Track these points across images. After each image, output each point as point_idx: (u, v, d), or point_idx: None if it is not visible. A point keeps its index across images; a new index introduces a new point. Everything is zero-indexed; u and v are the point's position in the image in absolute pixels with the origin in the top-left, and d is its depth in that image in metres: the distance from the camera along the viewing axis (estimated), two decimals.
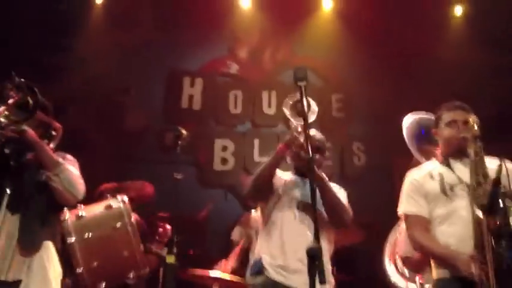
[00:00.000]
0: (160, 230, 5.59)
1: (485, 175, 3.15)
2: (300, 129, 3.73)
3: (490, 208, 2.94)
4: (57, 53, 7.10)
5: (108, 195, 4.64)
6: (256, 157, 7.82)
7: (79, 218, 4.05)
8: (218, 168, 7.86)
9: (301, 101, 2.93)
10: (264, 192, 3.92)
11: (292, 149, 3.88)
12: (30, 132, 3.36)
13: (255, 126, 8.21)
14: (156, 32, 7.73)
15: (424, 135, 4.13)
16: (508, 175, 3.12)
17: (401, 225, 4.05)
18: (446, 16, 8.47)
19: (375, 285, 6.96)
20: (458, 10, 8.40)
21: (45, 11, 7.12)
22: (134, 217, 4.61)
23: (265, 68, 8.58)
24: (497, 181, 2.96)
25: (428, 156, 3.83)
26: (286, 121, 7.81)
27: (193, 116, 8.06)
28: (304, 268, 3.12)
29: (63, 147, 3.71)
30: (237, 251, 5.82)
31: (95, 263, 3.99)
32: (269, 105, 8.28)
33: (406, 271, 4.39)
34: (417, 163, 3.95)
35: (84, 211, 4.10)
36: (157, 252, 5.10)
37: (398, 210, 3.60)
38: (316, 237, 2.61)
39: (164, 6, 7.80)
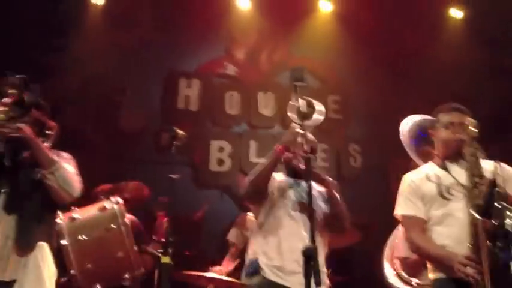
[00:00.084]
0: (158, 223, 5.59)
1: (482, 176, 3.16)
2: (299, 130, 3.73)
3: (485, 209, 2.95)
4: (54, 53, 7.08)
5: (102, 197, 4.64)
6: (253, 158, 7.82)
7: (72, 220, 4.05)
8: (214, 169, 7.86)
9: (301, 101, 2.94)
10: (261, 193, 3.92)
11: (291, 150, 3.87)
12: (27, 129, 3.36)
13: (252, 127, 8.21)
14: (153, 33, 7.72)
15: (423, 137, 4.13)
16: (503, 176, 3.14)
17: (400, 228, 4.06)
18: (444, 17, 8.48)
19: (370, 285, 6.98)
20: (456, 11, 8.41)
21: (44, 11, 7.11)
22: (130, 218, 4.61)
23: (262, 69, 8.57)
24: (493, 182, 2.97)
25: (427, 157, 3.83)
26: (283, 122, 7.87)
27: (190, 116, 8.05)
28: (300, 269, 3.13)
29: (60, 147, 3.70)
30: (232, 252, 5.81)
31: (89, 265, 3.99)
32: (266, 107, 8.29)
33: (403, 273, 4.39)
34: (417, 165, 3.96)
35: (77, 213, 4.10)
36: (153, 253, 5.09)
37: (395, 211, 3.60)
38: (312, 237, 2.62)
39: (161, 7, 7.79)
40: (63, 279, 4.04)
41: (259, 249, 3.88)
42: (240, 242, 5.80)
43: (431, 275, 3.41)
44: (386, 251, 4.51)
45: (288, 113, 3.67)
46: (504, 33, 7.68)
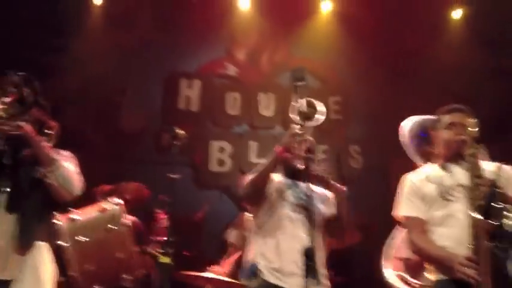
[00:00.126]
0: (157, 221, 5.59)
1: (482, 177, 3.15)
2: (298, 131, 3.72)
3: (486, 210, 2.94)
4: (54, 53, 7.08)
5: (102, 198, 4.64)
6: (253, 159, 7.82)
7: (73, 221, 4.05)
8: (214, 170, 7.87)
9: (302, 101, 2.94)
10: (260, 194, 3.90)
11: (291, 151, 3.86)
12: (27, 127, 3.35)
13: (252, 128, 8.22)
14: (154, 33, 7.73)
15: (424, 137, 4.12)
16: (504, 178, 3.14)
17: (400, 228, 4.05)
18: (444, 18, 8.47)
19: (370, 286, 6.98)
20: (456, 12, 8.41)
21: (44, 11, 7.11)
22: (130, 219, 4.61)
23: (263, 70, 8.58)
24: (493, 183, 2.97)
25: (428, 158, 3.83)
26: (284, 123, 7.87)
27: (191, 117, 8.06)
28: (300, 271, 3.12)
29: (60, 147, 3.69)
30: (232, 253, 5.80)
31: (89, 266, 3.99)
32: (266, 107, 8.29)
33: (405, 274, 4.38)
34: (417, 166, 3.95)
35: (77, 214, 4.10)
36: (152, 253, 5.09)
37: (395, 212, 3.59)
38: (312, 238, 2.61)
39: (162, 7, 7.80)
40: (62, 279, 4.05)
41: (257, 251, 3.87)
42: (238, 243, 5.79)
43: (432, 276, 3.40)
44: (386, 251, 4.50)
45: (290, 114, 3.66)
46: (504, 34, 7.68)
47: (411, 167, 3.98)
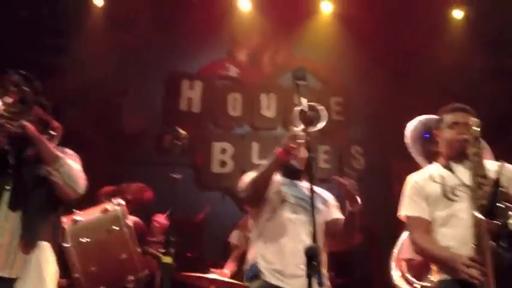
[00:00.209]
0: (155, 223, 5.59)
1: (485, 177, 3.14)
2: (297, 132, 3.72)
3: (489, 209, 2.93)
4: (55, 54, 7.09)
5: (105, 199, 4.63)
6: (255, 160, 7.81)
7: (75, 222, 4.04)
8: (216, 171, 7.87)
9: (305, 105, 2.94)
10: (261, 196, 3.87)
11: (291, 153, 3.83)
12: (30, 126, 3.35)
13: (254, 129, 8.22)
14: (154, 34, 7.73)
15: (427, 138, 4.10)
16: (507, 177, 3.12)
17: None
18: (445, 18, 8.47)
19: (371, 287, 6.97)
20: (457, 12, 8.40)
21: (44, 11, 7.12)
22: (133, 220, 4.60)
23: (265, 71, 8.58)
24: (497, 182, 2.95)
25: (433, 158, 3.80)
26: (285, 124, 7.86)
27: (192, 118, 8.06)
28: (302, 272, 3.10)
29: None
30: (236, 254, 5.79)
31: (92, 268, 3.98)
32: (268, 108, 8.29)
33: (408, 275, 4.37)
34: (420, 167, 3.94)
35: (80, 216, 4.09)
36: (153, 253, 5.08)
37: (399, 212, 3.58)
38: (314, 238, 2.60)
39: (163, 8, 7.79)
40: (65, 282, 4.04)
41: (258, 254, 3.84)
42: (242, 244, 5.78)
43: (436, 277, 3.38)
44: (394, 252, 4.49)
45: (292, 118, 3.63)
46: (505, 34, 7.67)
47: (413, 167, 3.97)
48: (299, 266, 3.51)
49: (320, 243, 3.71)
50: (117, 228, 4.12)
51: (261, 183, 3.81)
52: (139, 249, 4.23)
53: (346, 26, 8.48)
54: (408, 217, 3.50)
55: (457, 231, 3.24)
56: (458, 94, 6.44)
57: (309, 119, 3.34)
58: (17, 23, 6.92)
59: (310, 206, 3.68)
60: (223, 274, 5.30)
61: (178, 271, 5.01)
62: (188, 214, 6.86)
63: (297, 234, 3.75)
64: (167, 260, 4.41)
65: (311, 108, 3.45)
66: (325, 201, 4.05)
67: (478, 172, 3.18)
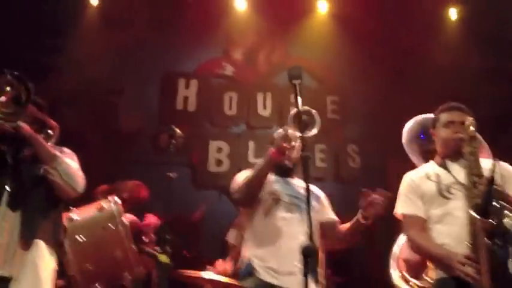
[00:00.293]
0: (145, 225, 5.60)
1: (481, 175, 3.15)
2: (290, 132, 3.73)
3: (484, 208, 2.94)
4: (51, 54, 7.08)
5: (100, 197, 4.62)
6: (251, 159, 7.81)
7: (71, 220, 4.03)
8: (212, 170, 7.87)
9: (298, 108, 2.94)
10: (255, 197, 3.87)
11: (284, 153, 3.84)
12: (25, 126, 3.35)
13: (250, 127, 8.22)
14: (150, 33, 7.72)
15: (423, 138, 4.11)
16: (502, 175, 3.13)
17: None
18: (441, 17, 8.49)
19: (369, 286, 6.98)
20: (453, 12, 8.42)
21: (40, 11, 7.10)
22: (130, 218, 4.60)
23: (260, 70, 8.58)
24: (491, 180, 2.96)
25: (430, 156, 3.81)
26: (281, 123, 7.85)
27: (188, 117, 8.06)
28: (297, 270, 3.11)
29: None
30: (233, 254, 5.79)
31: (88, 265, 3.97)
32: (264, 107, 8.29)
33: (406, 274, 4.38)
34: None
35: (75, 214, 4.09)
36: (149, 251, 5.08)
37: (395, 210, 3.59)
38: (310, 236, 2.60)
39: (159, 7, 7.79)
40: (62, 281, 4.04)
41: (252, 252, 3.84)
42: (240, 243, 5.78)
43: (433, 275, 3.39)
44: (394, 252, 4.50)
45: (288, 123, 3.64)
46: (500, 35, 7.69)
47: (409, 166, 3.98)
48: (294, 264, 3.53)
49: (316, 242, 3.73)
50: (113, 227, 4.12)
51: (255, 184, 3.82)
52: (134, 247, 4.23)
53: (342, 25, 8.49)
54: (404, 215, 3.51)
55: (452, 229, 3.25)
56: (454, 93, 6.44)
57: (303, 123, 3.35)
58: (13, 22, 6.90)
59: (304, 204, 3.71)
60: (222, 269, 5.30)
61: (175, 270, 5.01)
62: (185, 213, 6.86)
63: (292, 233, 3.75)
64: (164, 258, 4.42)
65: (306, 112, 3.46)
66: (317, 198, 4.06)
67: (473, 171, 3.19)
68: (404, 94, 7.66)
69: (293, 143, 3.83)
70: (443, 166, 3.47)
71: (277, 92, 8.22)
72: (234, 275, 5.28)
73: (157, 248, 4.99)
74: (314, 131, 3.54)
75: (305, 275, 2.42)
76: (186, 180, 7.49)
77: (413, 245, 3.48)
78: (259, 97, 8.33)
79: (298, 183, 4.04)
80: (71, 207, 4.07)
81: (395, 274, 4.39)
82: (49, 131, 3.58)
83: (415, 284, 4.18)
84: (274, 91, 8.28)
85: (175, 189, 4.92)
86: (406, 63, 8.07)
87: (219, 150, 7.96)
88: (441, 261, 3.24)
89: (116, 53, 7.50)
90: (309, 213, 2.70)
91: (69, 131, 3.83)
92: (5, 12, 6.82)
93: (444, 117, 3.54)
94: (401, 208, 3.53)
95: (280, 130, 4.07)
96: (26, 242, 3.32)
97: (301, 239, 3.52)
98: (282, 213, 3.85)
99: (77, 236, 3.98)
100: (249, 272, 3.75)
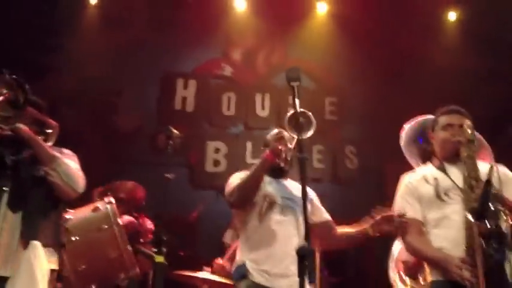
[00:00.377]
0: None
1: (478, 179, 3.15)
2: (284, 133, 3.74)
3: (480, 211, 2.94)
4: (50, 53, 7.08)
5: (97, 197, 4.63)
6: (249, 159, 7.81)
7: (65, 221, 4.03)
8: (210, 170, 7.87)
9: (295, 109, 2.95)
10: (250, 200, 3.86)
11: (279, 155, 3.84)
12: (24, 128, 3.36)
13: (248, 128, 8.22)
14: (149, 33, 7.72)
15: (421, 140, 4.11)
16: (500, 178, 3.13)
17: None
18: (440, 19, 8.50)
19: (364, 285, 6.99)
20: (452, 14, 8.43)
21: (40, 11, 7.10)
22: (127, 219, 4.60)
23: (259, 71, 8.59)
24: (488, 184, 2.96)
25: (428, 158, 3.80)
26: (279, 123, 7.86)
27: (187, 117, 8.06)
28: (291, 273, 3.10)
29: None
30: (230, 254, 5.79)
31: (82, 266, 3.97)
32: (262, 108, 8.30)
33: (404, 276, 4.40)
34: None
35: (70, 214, 4.09)
36: (145, 252, 5.08)
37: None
38: (306, 237, 2.60)
39: (158, 7, 7.79)
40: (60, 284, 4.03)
41: (246, 254, 3.83)
42: (236, 244, 5.78)
43: (430, 277, 3.40)
44: (393, 253, 4.51)
45: (285, 126, 3.64)
46: (499, 37, 7.70)
47: (407, 168, 3.98)
48: (288, 267, 3.54)
49: (310, 242, 3.72)
50: (107, 227, 4.12)
51: (250, 187, 3.81)
52: (130, 248, 4.23)
53: (341, 27, 8.50)
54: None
55: (449, 233, 3.25)
56: (452, 94, 6.46)
57: (300, 125, 3.35)
58: (12, 22, 6.90)
59: (297, 206, 3.72)
60: (219, 268, 5.30)
61: (172, 270, 5.02)
62: (182, 213, 6.86)
63: (286, 236, 3.76)
64: (160, 259, 4.41)
65: (302, 114, 3.46)
66: (310, 200, 4.02)
67: (471, 174, 3.19)
68: (403, 95, 7.66)
69: (288, 145, 3.84)
70: (442, 169, 3.47)
71: (275, 93, 8.22)
72: (230, 275, 5.30)
73: (153, 249, 4.99)
74: (310, 133, 3.55)
75: (301, 276, 2.42)
76: (183, 180, 7.50)
77: (410, 248, 3.48)
78: (258, 98, 8.34)
79: (291, 184, 4.04)
80: (67, 209, 4.06)
81: (394, 276, 4.41)
82: (49, 130, 3.59)
83: (411, 285, 4.20)
84: (272, 92, 8.28)
85: (172, 190, 4.92)
86: (405, 65, 8.08)
87: (217, 150, 7.96)
88: (438, 265, 3.24)
89: (115, 53, 7.50)
90: (305, 215, 2.70)
91: (67, 131, 3.83)
92: (4, 12, 6.82)
93: (443, 120, 3.54)
94: (398, 211, 3.54)
95: (273, 132, 4.09)
96: (27, 242, 3.33)
97: (296, 241, 3.55)
98: (276, 216, 3.84)
99: (71, 237, 3.98)
100: (243, 274, 3.75)
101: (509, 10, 7.38)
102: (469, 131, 3.29)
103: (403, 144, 4.25)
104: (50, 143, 3.53)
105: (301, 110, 3.15)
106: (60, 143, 3.65)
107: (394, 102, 7.60)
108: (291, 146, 3.87)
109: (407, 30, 8.02)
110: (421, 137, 4.12)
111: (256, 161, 3.94)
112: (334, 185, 8.09)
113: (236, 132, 8.19)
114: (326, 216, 4.08)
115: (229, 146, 8.01)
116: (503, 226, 2.99)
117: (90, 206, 4.25)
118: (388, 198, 3.69)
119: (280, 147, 3.75)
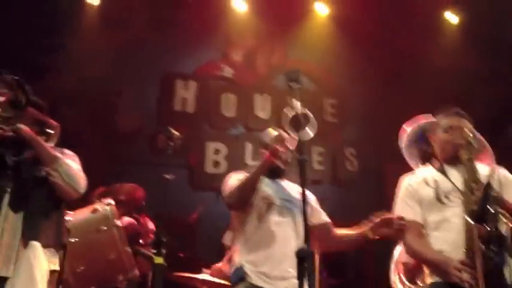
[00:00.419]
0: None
1: (478, 181, 3.15)
2: (284, 134, 3.73)
3: (480, 214, 2.94)
4: (50, 53, 7.07)
5: (96, 199, 4.62)
6: (249, 160, 7.81)
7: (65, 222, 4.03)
8: (210, 171, 7.87)
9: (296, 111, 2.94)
10: (248, 201, 3.84)
11: (278, 156, 3.83)
12: (25, 129, 3.36)
13: (248, 129, 8.23)
14: (149, 34, 7.71)
15: (421, 143, 4.10)
16: (500, 180, 3.13)
17: None
18: (440, 20, 8.50)
19: (363, 287, 6.98)
20: (452, 15, 8.44)
21: (39, 11, 7.09)
22: (128, 221, 4.59)
23: (259, 72, 8.59)
24: (488, 186, 2.96)
25: (428, 160, 3.79)
26: (279, 125, 7.85)
27: (187, 118, 8.06)
28: (290, 275, 3.09)
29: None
30: (229, 255, 5.78)
31: (81, 267, 3.98)
32: (262, 109, 8.30)
33: (404, 278, 4.40)
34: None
35: (70, 216, 4.08)
36: (145, 254, 5.08)
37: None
38: (306, 239, 2.60)
39: (158, 7, 7.79)
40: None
41: (244, 258, 3.81)
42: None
43: (428, 279, 3.39)
44: (394, 255, 4.51)
45: (284, 126, 3.62)
46: (499, 38, 7.70)
47: (407, 169, 3.98)
48: (287, 269, 3.53)
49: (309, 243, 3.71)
50: (106, 229, 4.12)
51: (248, 188, 3.79)
52: (129, 250, 4.22)
53: (341, 28, 8.50)
54: None
55: (449, 236, 3.25)
56: (452, 95, 6.47)
57: (301, 126, 3.34)
58: (12, 22, 6.89)
59: (295, 207, 3.71)
60: (218, 272, 5.29)
61: (171, 271, 5.01)
62: (182, 214, 6.85)
63: (285, 237, 3.75)
64: (159, 260, 4.41)
65: (304, 116, 3.45)
66: (308, 201, 4.02)
67: (471, 177, 3.19)
68: (403, 97, 7.67)
69: (288, 145, 3.83)
70: (442, 171, 3.46)
71: (275, 94, 8.22)
72: (228, 278, 5.29)
73: (152, 250, 4.98)
74: (310, 134, 3.54)
75: (300, 279, 2.42)
76: (183, 181, 7.49)
77: (410, 250, 3.47)
78: (258, 99, 8.34)
79: (288, 185, 4.03)
80: (66, 210, 4.05)
81: (395, 278, 4.41)
82: (49, 130, 3.58)
83: (411, 287, 4.20)
84: (272, 93, 8.28)
85: (172, 191, 4.91)
86: (404, 65, 8.09)
87: (217, 151, 7.96)
88: (437, 267, 3.24)
89: (115, 53, 7.49)
90: (305, 216, 2.70)
91: (67, 131, 3.82)
92: (4, 12, 6.81)
93: (443, 122, 3.54)
94: (398, 213, 3.53)
95: (271, 132, 4.07)
96: (28, 243, 3.32)
97: (294, 243, 3.54)
98: (274, 218, 3.83)
99: (70, 238, 3.97)
100: (240, 277, 3.73)
101: (509, 11, 7.38)
102: (470, 134, 3.29)
103: (403, 145, 4.24)
104: (51, 144, 3.53)
105: (303, 111, 3.14)
106: (60, 143, 3.64)
107: (394, 103, 7.60)
108: (291, 147, 3.86)
109: (407, 31, 8.03)
110: (422, 138, 4.11)
111: (256, 163, 3.93)
112: (334, 187, 8.10)
113: (236, 133, 8.19)
114: (324, 218, 4.07)
115: (229, 147, 8.01)
116: (503, 229, 2.99)
117: (89, 208, 4.24)
118: (388, 199, 3.68)
119: (280, 149, 3.74)
